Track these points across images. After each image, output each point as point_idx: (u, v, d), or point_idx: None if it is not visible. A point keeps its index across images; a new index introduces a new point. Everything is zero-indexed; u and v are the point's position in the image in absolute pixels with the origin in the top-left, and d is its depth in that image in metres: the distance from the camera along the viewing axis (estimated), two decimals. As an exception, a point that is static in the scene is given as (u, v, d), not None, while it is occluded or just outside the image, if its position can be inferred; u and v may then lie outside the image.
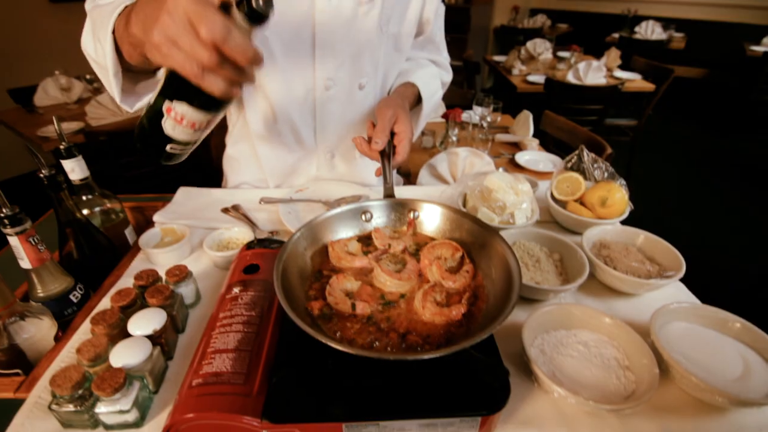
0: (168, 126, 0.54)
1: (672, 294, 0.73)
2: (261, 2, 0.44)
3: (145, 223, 1.00)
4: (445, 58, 1.06)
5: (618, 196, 0.84)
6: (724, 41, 5.12)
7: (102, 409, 0.50)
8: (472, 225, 0.64)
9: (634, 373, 0.56)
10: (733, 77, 4.93)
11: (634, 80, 3.16)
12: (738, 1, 5.10)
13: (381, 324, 0.52)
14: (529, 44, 3.59)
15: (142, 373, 0.54)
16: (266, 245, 0.70)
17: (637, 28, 5.02)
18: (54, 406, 0.50)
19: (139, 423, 0.52)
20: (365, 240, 0.66)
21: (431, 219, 0.68)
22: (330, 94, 0.92)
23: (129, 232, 0.91)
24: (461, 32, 5.46)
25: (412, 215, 0.69)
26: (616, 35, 5.03)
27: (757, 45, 4.61)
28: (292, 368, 0.48)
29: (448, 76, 1.05)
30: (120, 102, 0.67)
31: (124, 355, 0.53)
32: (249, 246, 0.70)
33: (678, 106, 5.23)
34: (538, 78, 3.06)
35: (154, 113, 0.54)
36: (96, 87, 2.42)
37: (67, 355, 0.61)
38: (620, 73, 3.29)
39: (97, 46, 0.64)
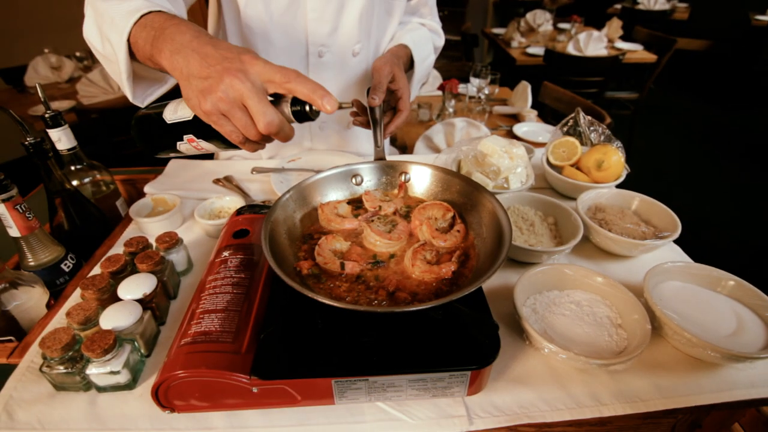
0: (183, 147, 0.58)
1: (667, 256, 0.73)
2: (312, 109, 0.50)
3: (137, 196, 0.99)
4: (437, 22, 1.02)
5: (614, 158, 0.82)
6: (728, 11, 4.99)
7: (93, 370, 0.50)
8: (463, 185, 0.63)
9: (627, 330, 0.56)
10: (737, 49, 4.82)
11: (635, 51, 3.09)
12: (745, -32, 4.95)
13: (370, 282, 0.52)
14: (529, 15, 3.50)
15: (133, 336, 0.54)
16: (256, 211, 0.69)
17: (639, -2, 4.89)
18: (45, 369, 0.50)
19: (131, 385, 0.52)
20: (356, 203, 0.65)
21: (421, 181, 0.67)
22: (323, 60, 0.89)
23: (120, 204, 0.90)
24: (459, 5, 5.32)
25: (402, 178, 0.68)
26: (618, 6, 4.91)
27: (762, 15, 4.50)
28: (280, 326, 0.48)
29: (440, 41, 1.02)
30: (132, 100, 0.66)
31: (114, 318, 0.53)
32: (239, 212, 0.69)
33: (680, 79, 5.13)
34: (538, 50, 3.00)
35: (174, 132, 0.56)
36: (86, 65, 2.37)
37: (59, 322, 0.62)
38: (621, 44, 3.22)
39: (105, 42, 0.61)
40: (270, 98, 0.49)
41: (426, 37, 0.95)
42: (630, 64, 3.06)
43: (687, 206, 2.87)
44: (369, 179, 0.68)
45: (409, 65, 0.91)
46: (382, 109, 0.76)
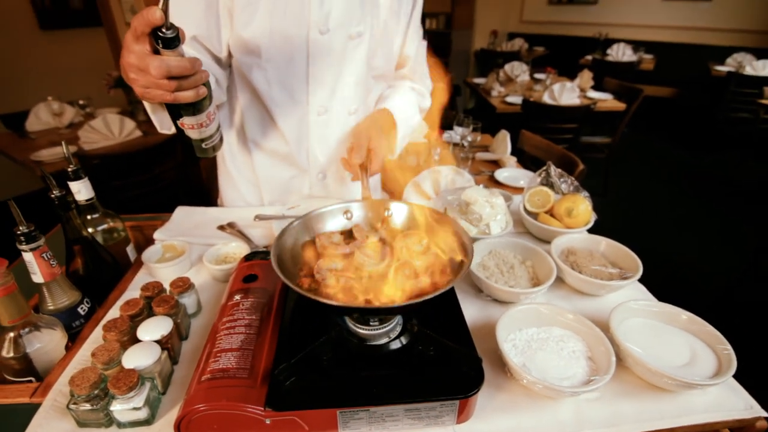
0: (191, 133, 0.71)
1: (632, 294, 0.81)
2: (165, 32, 0.56)
3: (144, 241, 1.05)
4: (427, 88, 1.15)
5: (582, 207, 0.92)
6: (690, 62, 5.42)
7: (117, 407, 0.54)
8: (431, 213, 0.72)
9: (596, 362, 0.63)
10: (701, 96, 5.19)
11: (606, 100, 3.34)
12: (703, 24, 5.43)
13: (359, 296, 0.58)
14: (507, 67, 3.77)
15: (152, 374, 0.59)
16: (263, 257, 0.76)
17: (609, 51, 5.29)
18: (72, 406, 0.55)
19: (150, 420, 0.57)
20: (347, 233, 0.73)
21: (401, 215, 0.75)
22: (323, 119, 0.99)
23: (130, 250, 0.96)
24: (443, 56, 5.67)
25: (386, 213, 0.76)
26: (589, 57, 5.28)
27: (721, 65, 4.90)
28: (290, 363, 0.54)
29: (426, 102, 1.14)
30: (160, 129, 0.78)
31: (136, 358, 0.58)
32: (248, 258, 0.76)
33: (650, 123, 5.48)
34: (516, 99, 3.21)
35: (179, 131, 0.71)
36: (88, 112, 2.47)
37: (78, 363, 0.66)
38: (593, 94, 3.47)
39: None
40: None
41: (411, 101, 1.07)
42: (602, 112, 3.30)
43: (659, 244, 3.02)
44: (358, 214, 0.77)
45: (392, 124, 1.02)
46: (365, 165, 0.86)
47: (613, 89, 3.58)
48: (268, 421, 0.51)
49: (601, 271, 0.81)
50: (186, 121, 0.68)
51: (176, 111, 0.66)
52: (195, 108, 0.67)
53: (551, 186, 1.01)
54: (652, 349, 0.65)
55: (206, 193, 2.62)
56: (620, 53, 5.14)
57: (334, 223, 0.76)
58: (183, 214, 1.06)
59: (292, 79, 0.94)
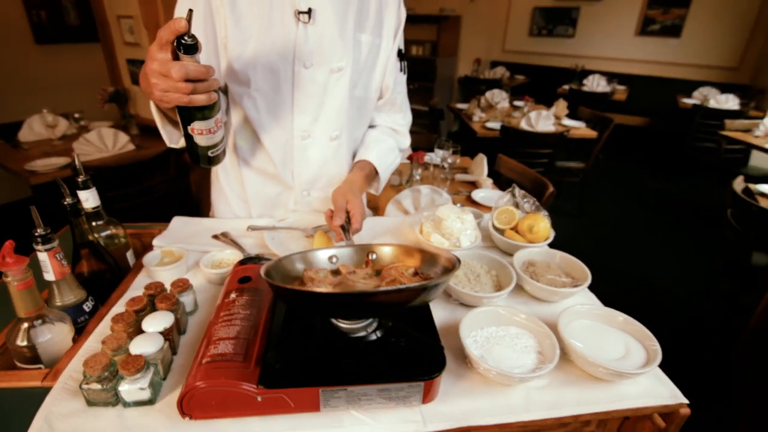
0: (200, 140, 0.81)
1: (582, 300, 0.92)
2: (187, 40, 0.66)
3: (141, 248, 1.13)
4: (406, 122, 1.27)
5: (542, 224, 1.04)
6: (661, 94, 5.76)
7: (125, 387, 0.62)
8: (418, 252, 0.80)
9: (544, 355, 0.73)
10: (670, 126, 5.51)
11: (579, 128, 3.55)
12: (673, 59, 5.79)
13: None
14: (488, 94, 3.97)
15: (156, 360, 0.67)
16: (255, 261, 0.85)
17: (585, 81, 5.60)
18: (84, 386, 0.62)
19: (153, 401, 0.64)
20: (334, 273, 0.80)
21: (386, 256, 0.83)
22: (306, 143, 1.10)
23: (129, 255, 1.03)
24: (428, 81, 5.90)
25: (369, 256, 0.84)
26: (566, 87, 5.58)
27: (688, 98, 5.23)
28: (280, 348, 0.62)
29: (405, 142, 1.26)
30: (169, 143, 0.89)
31: (142, 346, 0.66)
32: (242, 262, 0.84)
33: (623, 150, 5.77)
34: (496, 124, 3.40)
35: (188, 138, 0.80)
36: (82, 125, 2.53)
37: (84, 352, 0.73)
38: (567, 122, 3.68)
39: (152, 107, 0.89)
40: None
41: (390, 147, 1.19)
42: (576, 139, 3.50)
43: (629, 262, 3.19)
44: (343, 260, 0.84)
45: (375, 172, 1.14)
46: (345, 225, 0.95)
47: (587, 118, 3.81)
48: (259, 399, 0.59)
49: (555, 279, 0.92)
50: (196, 126, 0.78)
51: (188, 116, 0.76)
52: (206, 112, 0.76)
53: (516, 205, 1.12)
54: (592, 345, 0.75)
55: (195, 207, 2.69)
56: (595, 84, 5.45)
57: (322, 265, 0.80)
58: (180, 223, 1.14)
59: (279, 107, 1.05)
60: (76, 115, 2.53)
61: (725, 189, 4.24)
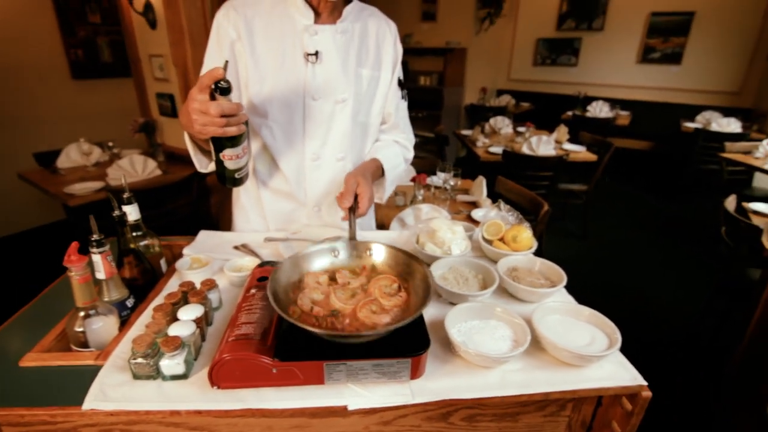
0: (229, 164, 0.98)
1: (560, 299, 1.03)
2: (222, 84, 0.84)
3: (171, 257, 1.28)
4: (409, 140, 1.43)
5: (524, 234, 1.17)
6: (663, 118, 5.88)
7: (165, 362, 0.75)
8: (405, 257, 0.93)
9: (519, 343, 0.85)
10: (673, 149, 5.60)
11: (579, 152, 3.68)
12: (675, 85, 5.93)
13: (332, 321, 0.79)
14: (492, 121, 4.15)
15: (189, 342, 0.80)
16: (272, 265, 0.99)
17: (588, 107, 5.76)
18: (132, 360, 0.76)
19: (186, 375, 0.78)
20: (332, 275, 0.92)
21: (379, 254, 0.96)
22: (316, 164, 1.26)
23: (162, 262, 1.18)
24: (435, 109, 6.13)
25: (367, 252, 0.96)
26: (570, 113, 5.74)
27: (691, 122, 5.33)
28: (291, 330, 0.76)
29: (409, 154, 1.42)
30: (200, 168, 1.07)
31: (178, 329, 0.80)
32: (260, 266, 0.99)
33: (627, 173, 5.86)
34: (498, 149, 3.55)
35: (219, 163, 0.97)
36: (114, 152, 2.77)
37: (128, 339, 0.87)
38: (568, 146, 3.82)
39: (186, 138, 1.09)
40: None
41: (396, 152, 1.34)
42: (577, 162, 3.62)
43: (633, 282, 3.25)
44: (344, 253, 0.97)
45: (381, 172, 1.28)
46: (353, 208, 1.10)
47: (588, 142, 3.94)
48: (274, 371, 0.72)
49: (534, 282, 1.04)
50: (227, 153, 0.95)
51: (220, 145, 0.93)
52: (235, 142, 0.93)
53: (503, 219, 1.25)
54: (561, 335, 0.86)
55: (215, 226, 2.86)
56: (598, 110, 5.60)
57: (323, 261, 0.95)
58: (205, 236, 1.30)
59: (292, 134, 1.21)
60: (110, 144, 2.77)
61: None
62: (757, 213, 2.40)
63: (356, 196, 1.11)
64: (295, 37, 1.13)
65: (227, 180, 1.03)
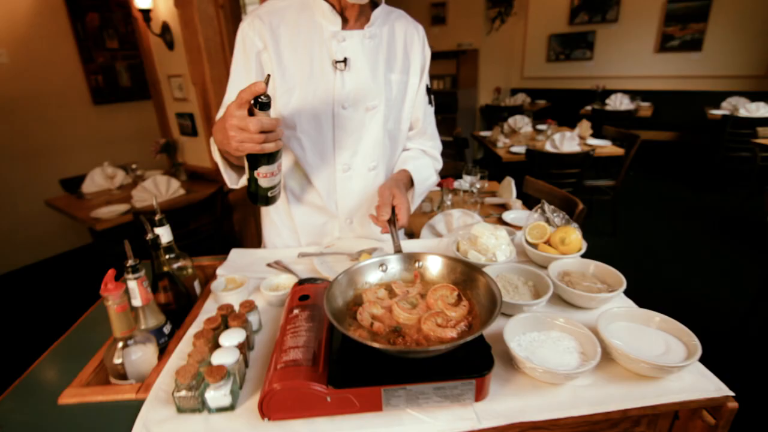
0: (263, 182, 0.94)
1: (619, 305, 0.96)
2: (263, 98, 0.81)
3: (204, 278, 1.24)
4: (437, 148, 1.37)
5: (573, 236, 1.09)
6: (687, 107, 5.70)
7: (210, 393, 0.71)
8: (459, 265, 0.88)
9: (587, 355, 0.78)
10: (699, 138, 5.41)
11: (605, 146, 3.56)
12: (696, 72, 5.76)
13: (393, 338, 0.73)
14: (511, 120, 4.07)
15: (234, 371, 0.75)
16: (312, 282, 0.94)
17: (607, 101, 5.62)
18: (176, 393, 0.71)
19: (233, 407, 0.73)
20: (389, 288, 0.87)
21: (433, 266, 0.90)
22: (347, 175, 1.21)
23: (196, 284, 1.15)
24: (451, 112, 6.08)
25: (416, 264, 0.92)
26: (589, 108, 5.61)
27: (716, 109, 5.15)
28: (345, 354, 0.70)
29: (439, 165, 1.37)
30: (230, 184, 1.03)
31: (222, 357, 0.75)
32: (300, 283, 0.94)
33: (653, 166, 5.68)
34: (520, 149, 3.46)
35: (252, 181, 0.93)
36: (138, 174, 2.79)
37: (169, 368, 0.83)
38: (592, 141, 3.70)
39: (215, 154, 1.04)
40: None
41: (427, 164, 1.29)
42: (603, 158, 3.51)
43: (666, 280, 3.10)
44: (392, 266, 0.93)
45: (410, 184, 1.23)
46: (392, 220, 1.05)
47: (612, 136, 3.82)
48: (328, 399, 0.67)
49: (591, 287, 0.97)
50: (262, 170, 0.91)
51: (255, 162, 0.90)
52: (271, 158, 0.89)
53: (547, 220, 1.18)
54: (632, 344, 0.79)
55: (238, 243, 2.85)
56: (618, 102, 5.46)
57: (372, 277, 0.90)
58: (237, 255, 1.26)
59: (322, 145, 1.17)
60: (133, 166, 2.80)
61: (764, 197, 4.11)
62: (807, 199, 2.26)
63: (393, 209, 1.06)
64: (323, 45, 1.09)
65: (259, 199, 0.99)
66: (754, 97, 4.90)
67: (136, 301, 0.88)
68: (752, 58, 5.33)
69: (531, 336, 0.84)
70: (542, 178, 2.42)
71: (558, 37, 6.66)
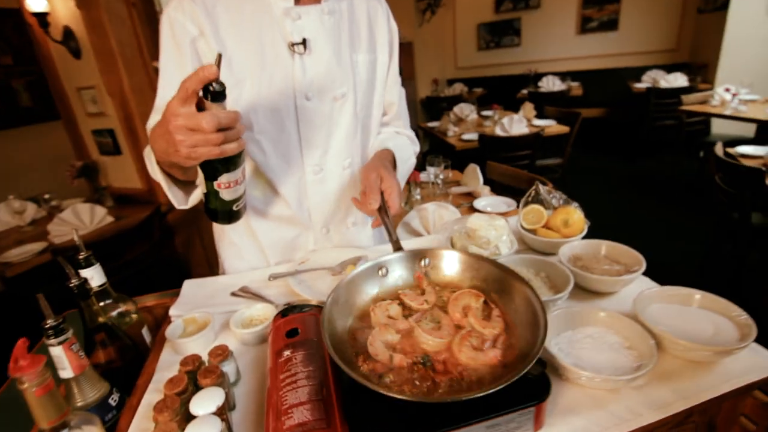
0: (226, 195, 0.75)
1: (642, 285, 0.87)
2: (215, 86, 0.62)
3: (153, 322, 1.02)
4: (411, 132, 1.24)
5: (576, 216, 1.00)
6: (613, 84, 6.04)
7: (191, 487, 0.52)
8: (477, 261, 0.74)
9: (636, 350, 0.67)
10: (628, 111, 5.76)
11: (551, 126, 3.64)
12: (616, 51, 6.15)
13: (420, 373, 0.58)
14: (456, 109, 4.05)
15: (216, 448, 0.57)
16: (299, 310, 0.76)
17: (540, 83, 5.82)
18: (139, 497, 0.51)
19: (223, 496, 0.54)
20: (400, 301, 0.72)
21: (442, 263, 0.77)
22: (319, 177, 1.04)
23: (144, 331, 0.92)
24: (392, 106, 6.00)
25: (422, 263, 0.78)
26: (525, 91, 5.77)
27: (639, 83, 5.49)
28: (364, 403, 0.54)
29: (416, 147, 1.22)
30: (178, 205, 0.80)
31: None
32: (284, 314, 0.76)
33: (589, 141, 5.97)
34: (472, 136, 3.44)
35: (211, 194, 0.73)
36: (53, 205, 2.39)
37: (125, 455, 0.62)
38: (538, 122, 3.77)
39: (154, 171, 0.83)
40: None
41: (406, 144, 1.14)
42: (549, 137, 3.58)
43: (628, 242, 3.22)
44: (393, 270, 0.78)
45: (393, 165, 1.08)
46: (383, 207, 0.90)
47: (554, 116, 3.92)
48: (355, 467, 0.51)
49: (609, 269, 0.87)
50: (223, 180, 0.72)
51: (213, 170, 0.70)
52: (233, 163, 0.71)
53: (541, 203, 1.09)
54: (680, 329, 0.70)
55: (186, 271, 2.54)
56: (551, 84, 5.67)
57: (372, 285, 0.75)
58: (192, 287, 1.04)
59: (286, 145, 0.99)
60: (46, 197, 2.39)
61: (694, 159, 4.44)
62: (745, 156, 2.40)
63: (382, 194, 0.91)
64: (274, 25, 0.91)
65: (221, 216, 0.79)
66: (670, 69, 5.28)
67: (66, 372, 0.66)
68: (663, 34, 5.75)
69: (566, 336, 0.72)
70: (496, 162, 2.38)
71: (486, 25, 6.81)
